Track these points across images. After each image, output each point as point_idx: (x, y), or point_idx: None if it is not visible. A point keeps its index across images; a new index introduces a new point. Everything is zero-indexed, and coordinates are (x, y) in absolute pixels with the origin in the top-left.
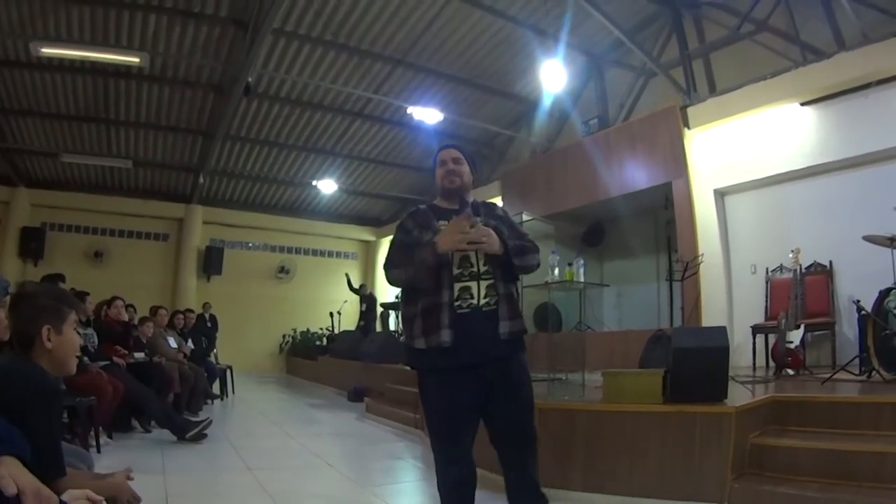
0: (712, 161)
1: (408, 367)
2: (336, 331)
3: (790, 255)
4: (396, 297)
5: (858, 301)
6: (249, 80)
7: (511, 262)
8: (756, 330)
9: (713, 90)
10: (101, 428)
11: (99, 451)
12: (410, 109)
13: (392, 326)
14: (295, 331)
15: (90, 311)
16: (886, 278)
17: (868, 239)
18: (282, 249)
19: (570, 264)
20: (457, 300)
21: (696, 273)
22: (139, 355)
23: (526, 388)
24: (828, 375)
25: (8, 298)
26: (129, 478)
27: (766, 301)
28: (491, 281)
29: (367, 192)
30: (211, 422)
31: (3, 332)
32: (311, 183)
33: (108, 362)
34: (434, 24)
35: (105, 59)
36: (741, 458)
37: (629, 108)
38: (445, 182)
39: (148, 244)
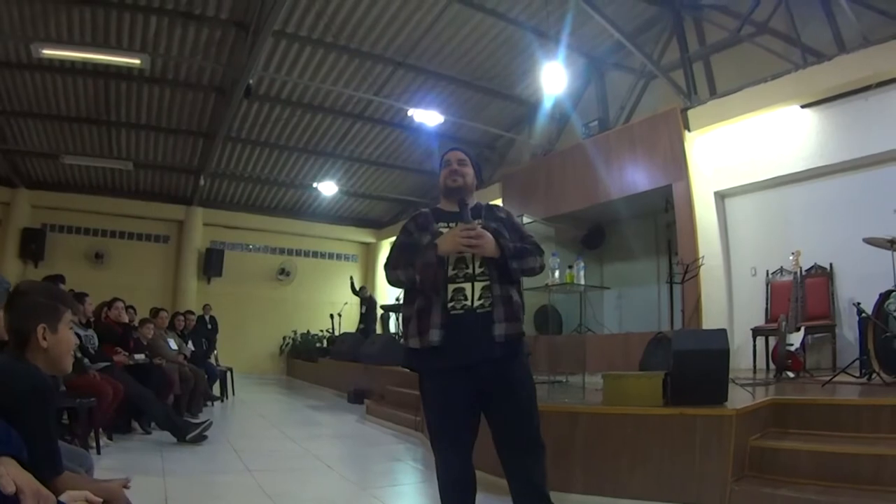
0: (713, 163)
1: (405, 368)
2: (336, 333)
3: (790, 258)
4: (397, 300)
5: (859, 303)
6: (250, 81)
7: (508, 264)
8: (756, 332)
9: (714, 92)
10: (100, 429)
11: (99, 453)
12: (411, 111)
13: (392, 328)
14: (295, 332)
15: (90, 313)
16: (887, 280)
17: (868, 241)
18: (282, 251)
19: (570, 267)
20: (450, 301)
21: (696, 275)
22: (139, 357)
23: (524, 391)
24: (828, 378)
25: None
26: (125, 486)
27: (767, 303)
28: (486, 283)
29: (367, 194)
30: (211, 423)
31: (2, 332)
32: (311, 185)
33: (108, 363)
34: (435, 27)
35: (106, 60)
36: (741, 460)
37: (630, 110)
38: (448, 181)
39: (148, 246)
